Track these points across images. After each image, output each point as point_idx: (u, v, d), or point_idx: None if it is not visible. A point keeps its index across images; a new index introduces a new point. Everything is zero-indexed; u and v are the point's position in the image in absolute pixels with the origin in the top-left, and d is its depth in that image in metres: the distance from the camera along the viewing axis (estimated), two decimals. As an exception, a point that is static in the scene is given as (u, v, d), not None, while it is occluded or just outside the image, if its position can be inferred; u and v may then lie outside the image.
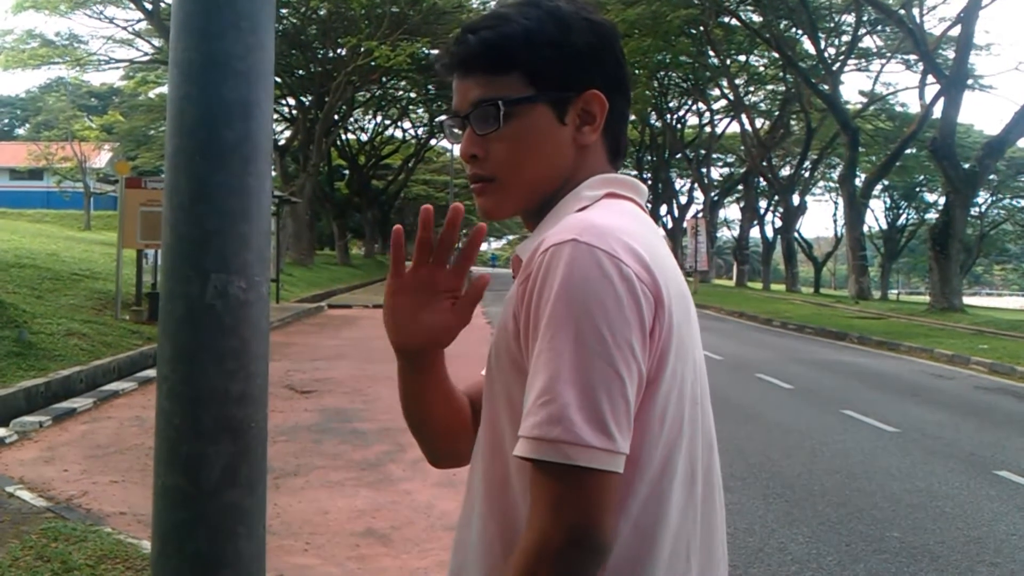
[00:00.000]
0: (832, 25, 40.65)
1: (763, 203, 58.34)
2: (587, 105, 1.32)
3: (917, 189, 59.50)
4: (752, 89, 51.81)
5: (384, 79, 44.09)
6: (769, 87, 51.59)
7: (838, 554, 5.79)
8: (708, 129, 56.45)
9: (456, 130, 1.38)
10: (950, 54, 31.73)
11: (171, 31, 1.53)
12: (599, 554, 1.14)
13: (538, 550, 1.12)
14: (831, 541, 6.06)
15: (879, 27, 39.89)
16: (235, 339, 1.50)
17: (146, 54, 38.74)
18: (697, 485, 1.27)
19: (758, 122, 52.03)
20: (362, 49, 34.12)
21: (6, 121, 71.74)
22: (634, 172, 67.89)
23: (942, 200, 36.27)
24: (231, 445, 1.49)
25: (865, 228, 45.27)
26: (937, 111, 30.49)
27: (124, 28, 36.54)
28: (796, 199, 51.40)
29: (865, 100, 47.95)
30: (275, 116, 52.93)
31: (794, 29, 40.11)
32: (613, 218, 1.24)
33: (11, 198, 48.97)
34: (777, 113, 50.59)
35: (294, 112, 47.86)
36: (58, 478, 7.04)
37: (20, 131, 66.06)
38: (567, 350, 1.13)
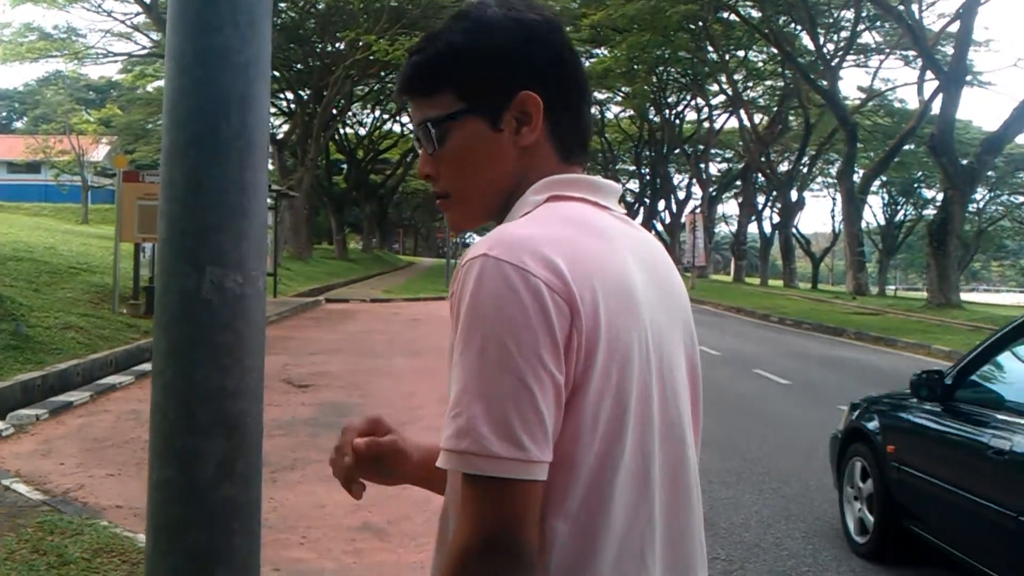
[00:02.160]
0: (831, 21, 40.62)
1: (761, 199, 58.37)
2: (521, 107, 1.31)
3: (915, 185, 59.52)
4: (751, 84, 51.81)
5: (383, 73, 44.02)
6: (768, 83, 51.58)
7: (834, 549, 5.81)
8: (707, 124, 56.45)
9: (419, 150, 1.40)
10: (949, 50, 31.72)
11: (167, 24, 1.53)
12: (518, 559, 1.16)
13: (460, 555, 1.16)
14: (828, 536, 6.07)
15: (878, 23, 39.87)
16: (231, 334, 1.49)
17: (144, 48, 38.67)
18: (652, 485, 1.27)
19: (756, 117, 52.02)
20: (360, 43, 34.05)
21: (4, 114, 71.64)
22: (632, 167, 67.95)
23: (940, 196, 36.31)
24: (226, 440, 1.48)
25: (863, 224, 45.30)
26: (936, 107, 30.50)
27: (122, 22, 36.49)
28: (794, 195, 51.42)
29: (864, 96, 47.97)
30: (273, 110, 52.87)
31: (793, 25, 40.12)
32: (534, 226, 1.24)
33: (9, 191, 48.88)
34: (776, 109, 50.60)
35: (292, 106, 47.81)
36: (54, 471, 7.04)
37: (18, 124, 65.92)
38: (475, 364, 1.16)
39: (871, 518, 5.73)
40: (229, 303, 1.48)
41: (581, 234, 1.25)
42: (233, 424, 1.50)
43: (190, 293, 1.48)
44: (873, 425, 6.01)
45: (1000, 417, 4.81)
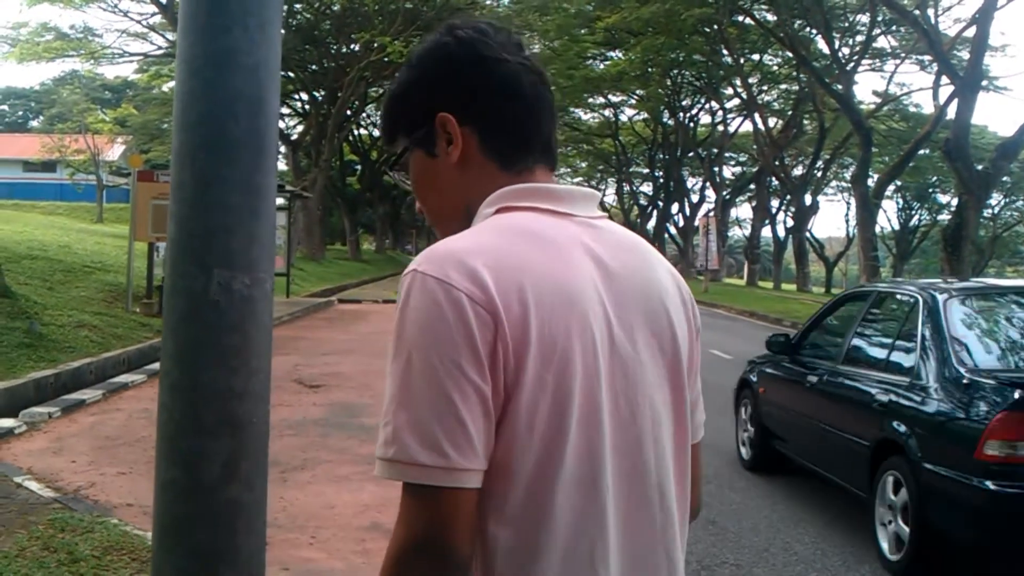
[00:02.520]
0: (846, 25, 40.48)
1: (775, 202, 58.22)
2: (443, 129, 1.37)
3: (930, 190, 59.27)
4: (765, 88, 51.64)
5: (397, 75, 44.05)
6: (782, 86, 51.42)
7: (843, 555, 5.79)
8: (721, 128, 56.30)
9: None
10: (965, 55, 31.58)
11: (179, 26, 1.54)
12: (446, 563, 1.20)
13: (393, 557, 1.21)
14: (836, 542, 6.05)
15: (893, 27, 39.72)
16: (238, 336, 1.50)
17: (160, 48, 38.79)
18: (602, 491, 1.28)
19: (771, 121, 51.88)
20: (375, 45, 34.11)
21: (20, 113, 71.99)
22: (646, 170, 67.88)
23: (955, 201, 36.13)
24: (232, 441, 1.49)
25: (877, 229, 45.11)
26: (951, 112, 30.36)
27: (138, 22, 36.59)
28: (808, 199, 51.25)
29: (879, 100, 47.79)
30: (288, 111, 53.05)
31: (808, 28, 39.97)
32: (469, 238, 1.28)
33: (24, 190, 49.12)
34: (790, 112, 50.43)
35: (307, 107, 47.90)
36: (66, 469, 7.07)
37: (34, 123, 66.24)
38: (401, 375, 1.21)
39: (755, 439, 8.18)
40: (236, 305, 1.49)
41: (518, 243, 1.28)
42: (239, 425, 1.50)
43: (198, 294, 1.48)
44: (753, 375, 8.59)
45: (815, 361, 7.47)
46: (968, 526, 5.23)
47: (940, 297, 6.15)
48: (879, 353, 6.78)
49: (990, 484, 4.94)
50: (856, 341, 7.08)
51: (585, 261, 1.30)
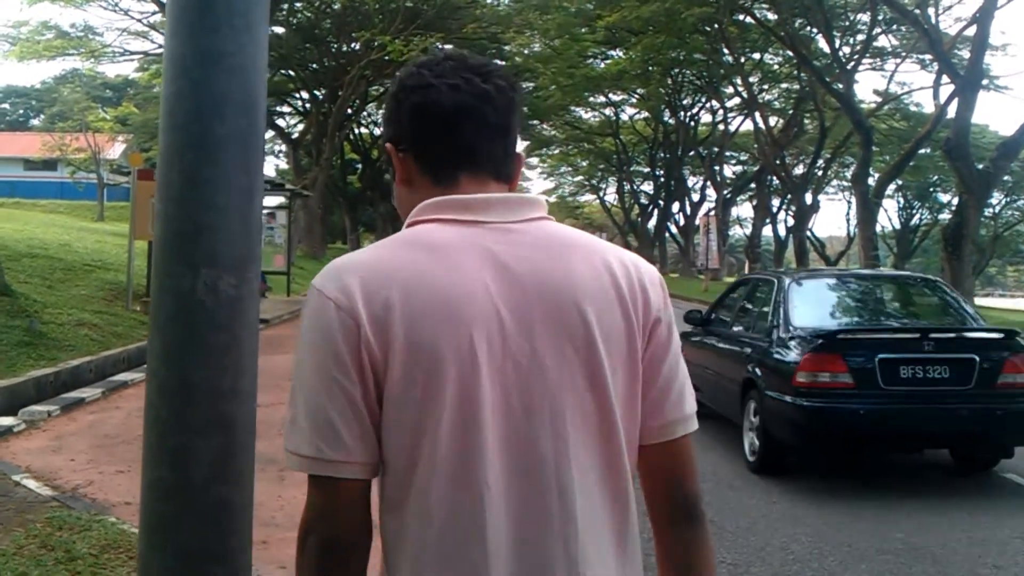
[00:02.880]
0: (847, 24, 40.43)
1: (776, 201, 58.19)
2: (391, 157, 1.54)
3: (931, 189, 59.21)
4: (766, 87, 51.62)
5: (398, 74, 44.01)
6: (783, 85, 51.39)
7: (840, 554, 5.79)
8: (721, 127, 56.27)
9: None
10: (965, 54, 31.54)
11: (167, 27, 1.55)
12: (331, 545, 1.37)
13: (298, 539, 1.40)
14: (834, 540, 6.05)
15: (894, 26, 39.68)
16: (225, 335, 1.51)
17: (161, 46, 38.76)
18: (480, 485, 1.34)
19: (772, 120, 51.86)
20: (375, 43, 34.10)
21: (21, 112, 71.95)
22: (647, 169, 67.86)
23: (956, 200, 36.10)
24: (220, 440, 1.50)
25: (878, 228, 45.07)
26: (952, 111, 30.35)
27: (139, 20, 36.54)
28: (809, 198, 51.23)
29: (880, 99, 47.76)
30: (288, 109, 53.08)
31: (809, 28, 39.92)
32: (362, 252, 1.43)
33: (25, 188, 49.13)
34: (791, 111, 50.41)
35: (307, 106, 47.90)
36: (65, 467, 7.08)
37: (35, 122, 66.23)
38: (293, 376, 1.40)
39: None
40: (223, 304, 1.50)
41: (401, 253, 1.40)
42: (227, 424, 1.51)
43: (184, 294, 1.49)
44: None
45: (716, 329, 9.90)
46: (788, 431, 7.70)
47: (786, 279, 8.87)
48: (751, 319, 9.32)
49: (801, 401, 7.38)
50: (740, 313, 9.73)
51: (478, 265, 1.37)
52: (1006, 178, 42.67)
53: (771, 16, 39.10)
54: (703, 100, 56.29)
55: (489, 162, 1.50)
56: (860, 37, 40.72)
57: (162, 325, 1.52)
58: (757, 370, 8.10)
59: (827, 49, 38.69)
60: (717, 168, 57.75)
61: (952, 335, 8.06)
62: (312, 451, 1.34)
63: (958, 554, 5.86)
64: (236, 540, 1.54)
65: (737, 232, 77.29)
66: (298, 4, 38.13)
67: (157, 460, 1.51)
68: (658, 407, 1.50)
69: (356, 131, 55.19)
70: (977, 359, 7.53)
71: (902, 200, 62.00)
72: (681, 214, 64.62)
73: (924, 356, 7.48)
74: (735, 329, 9.44)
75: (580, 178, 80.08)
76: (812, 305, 8.64)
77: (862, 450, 8.22)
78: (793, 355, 7.73)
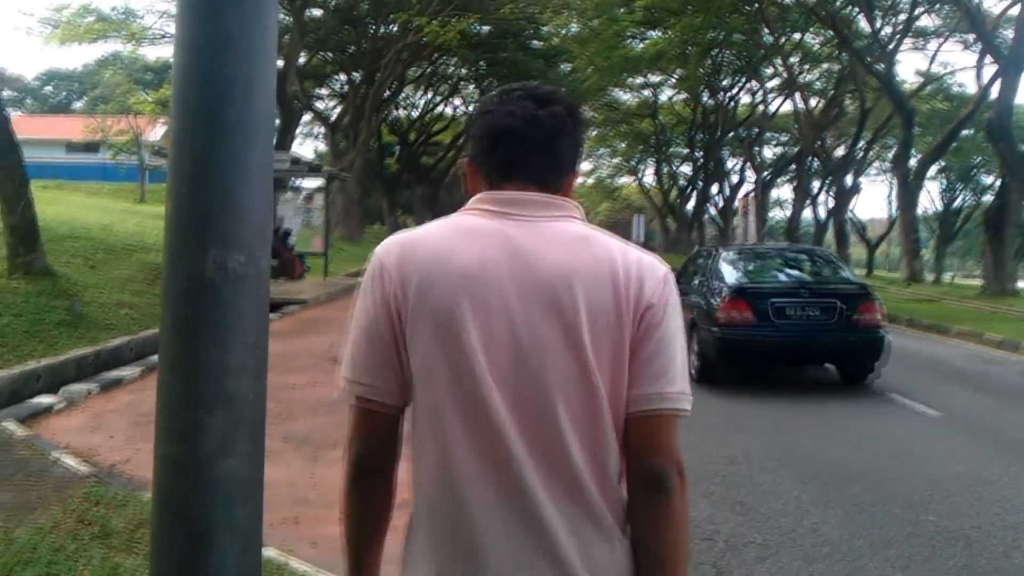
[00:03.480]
0: (888, 3, 39.85)
1: (816, 184, 57.70)
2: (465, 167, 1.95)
3: (973, 171, 58.37)
4: (806, 68, 51.03)
5: (435, 56, 44.06)
6: (824, 66, 50.78)
7: (870, 537, 5.77)
8: (761, 108, 55.83)
9: None
10: (1009, 34, 31.07)
11: (177, 10, 1.58)
12: (356, 465, 1.78)
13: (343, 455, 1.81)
14: (864, 523, 6.03)
15: (936, 6, 39.06)
16: (234, 312, 1.54)
17: (200, 29, 38.96)
18: (443, 425, 1.68)
19: (812, 101, 51.35)
20: (413, 25, 34.08)
21: (63, 95, 72.75)
22: (686, 150, 67.48)
23: (999, 183, 35.60)
24: (228, 415, 1.54)
25: (921, 210, 44.55)
26: (994, 92, 29.90)
27: (178, 3, 36.74)
28: (849, 180, 50.71)
29: (921, 80, 47.12)
30: (326, 92, 53.27)
31: (850, 7, 39.44)
32: (415, 229, 1.81)
33: (68, 171, 49.69)
34: (831, 92, 49.84)
35: (345, 88, 48.03)
36: (103, 445, 7.20)
37: (77, 105, 66.95)
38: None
39: None
40: (232, 283, 1.53)
41: (440, 231, 1.78)
42: (235, 400, 1.55)
43: (194, 273, 1.53)
44: None
45: (680, 287, 11.46)
46: (714, 352, 11.40)
47: (720, 250, 13.19)
48: (697, 280, 12.67)
49: (720, 332, 11.16)
50: (692, 274, 13.19)
51: (495, 246, 1.71)
52: (1051, 160, 41.92)
53: (812, -5, 38.61)
54: (742, 81, 55.78)
55: (532, 174, 1.82)
56: (902, 17, 40.09)
57: (173, 303, 1.56)
58: (696, 312, 11.78)
59: (868, 29, 38.20)
60: (756, 149, 57.35)
61: (821, 287, 12.05)
62: (349, 378, 1.75)
63: (991, 537, 5.82)
64: (246, 513, 1.58)
65: (777, 214, 76.68)
66: (336, -14, 38.19)
67: (168, 435, 1.55)
68: (636, 378, 1.71)
69: (394, 114, 55.30)
70: (839, 303, 11.29)
71: (944, 182, 61.19)
72: (720, 196, 64.19)
73: (803, 301, 11.32)
74: (690, 285, 12.58)
75: (618, 160, 79.71)
76: (732, 268, 12.53)
77: (761, 364, 11.97)
78: (716, 301, 11.54)
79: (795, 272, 12.98)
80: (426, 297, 1.66)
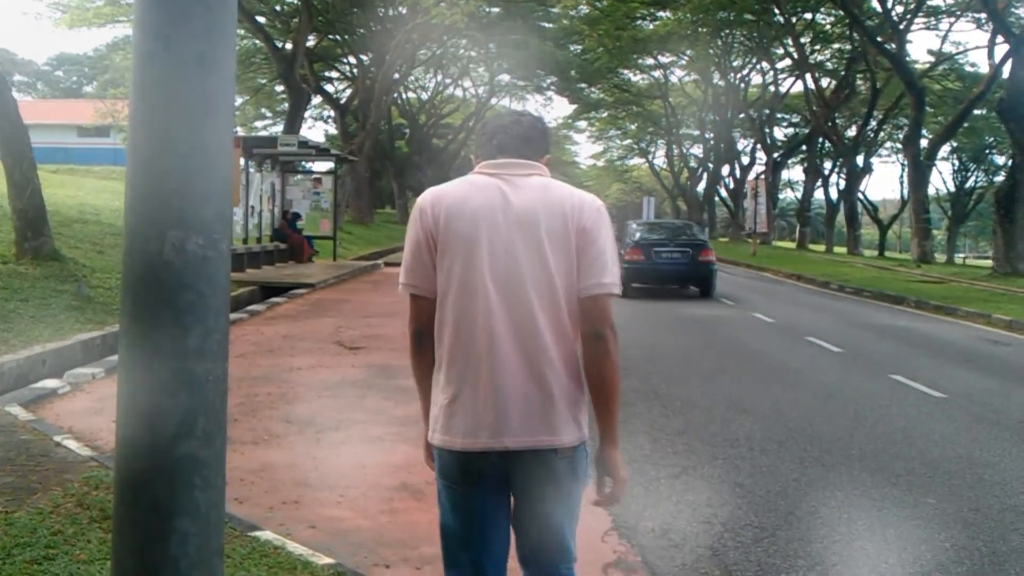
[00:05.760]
0: (901, -18, 39.61)
1: (827, 164, 57.43)
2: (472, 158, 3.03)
3: (986, 151, 58.02)
4: (817, 48, 50.78)
5: (444, 37, 43.94)
6: (835, 46, 50.52)
7: (869, 519, 5.75)
8: (772, 88, 55.59)
9: None
10: (1021, 12, 30.85)
11: (136, -10, 1.57)
12: (414, 337, 2.87)
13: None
14: (863, 506, 6.01)
15: (949, -17, 38.82)
16: (192, 294, 1.54)
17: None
18: (478, 295, 2.67)
19: (823, 81, 51.09)
20: (421, 6, 33.96)
21: (74, 79, 72.85)
22: (696, 131, 67.23)
23: (1011, 163, 35.35)
24: (188, 398, 1.53)
25: (933, 191, 44.34)
26: (1006, 71, 29.69)
27: (187, -14, 36.64)
28: (861, 160, 50.48)
29: (933, 59, 46.82)
30: (336, 74, 53.17)
31: (862, -14, 39.17)
32: (446, 184, 2.84)
33: (79, 155, 49.85)
34: (843, 72, 49.58)
35: (355, 71, 47.96)
36: (106, 428, 7.21)
37: (88, 89, 67.01)
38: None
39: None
40: (191, 265, 1.53)
41: (458, 185, 2.80)
42: (195, 383, 1.54)
43: (152, 255, 1.52)
44: (623, 251, 21.76)
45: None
46: (626, 279, 18.50)
47: (632, 222, 25.36)
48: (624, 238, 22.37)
49: (627, 266, 20.10)
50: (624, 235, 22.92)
51: (494, 194, 2.71)
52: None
53: (822, -26, 38.35)
54: (753, 61, 55.55)
55: (514, 151, 2.82)
56: (914, -5, 39.76)
57: (132, 286, 1.55)
58: (622, 253, 19.16)
59: (880, 8, 37.92)
60: (767, 130, 57.12)
61: (681, 240, 21.58)
62: (405, 280, 2.79)
63: (989, 519, 5.79)
64: (206, 496, 1.57)
65: (788, 196, 76.40)
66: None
67: (129, 418, 1.55)
68: (582, 273, 2.70)
69: (403, 96, 55.20)
70: (690, 250, 21.20)
71: (957, 162, 60.85)
72: (731, 177, 63.99)
73: (670, 248, 21.08)
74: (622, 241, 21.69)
75: (628, 141, 79.55)
76: (637, 232, 22.38)
77: (649, 283, 20.74)
78: (627, 248, 20.71)
79: (669, 233, 22.64)
80: (451, 226, 2.66)
